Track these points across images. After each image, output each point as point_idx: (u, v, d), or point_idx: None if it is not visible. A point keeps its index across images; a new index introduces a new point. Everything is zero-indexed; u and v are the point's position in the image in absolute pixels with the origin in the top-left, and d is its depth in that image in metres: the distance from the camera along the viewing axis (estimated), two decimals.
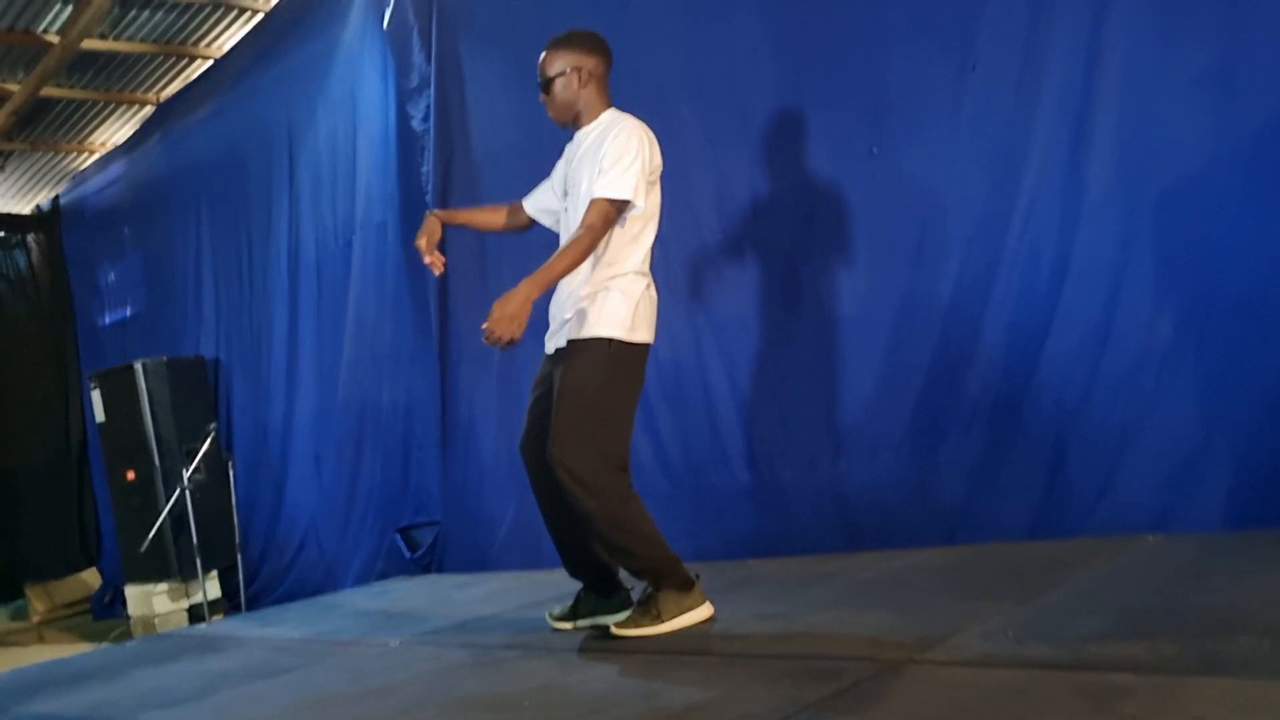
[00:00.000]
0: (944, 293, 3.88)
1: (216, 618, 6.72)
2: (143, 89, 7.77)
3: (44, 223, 9.66)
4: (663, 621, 3.07)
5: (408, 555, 6.05)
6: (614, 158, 3.09)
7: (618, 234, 3.13)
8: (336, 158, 6.50)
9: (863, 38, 4.04)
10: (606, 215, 3.07)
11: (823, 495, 4.26)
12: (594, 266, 3.14)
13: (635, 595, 3.26)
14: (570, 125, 3.35)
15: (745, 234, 4.56)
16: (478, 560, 5.74)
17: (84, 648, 6.90)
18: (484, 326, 2.93)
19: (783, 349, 4.44)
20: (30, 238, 9.78)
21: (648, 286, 3.21)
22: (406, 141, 5.80)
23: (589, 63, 3.30)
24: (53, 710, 3.61)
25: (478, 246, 5.57)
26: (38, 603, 9.01)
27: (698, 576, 3.20)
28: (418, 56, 5.62)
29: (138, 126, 8.23)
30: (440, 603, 4.63)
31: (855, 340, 4.19)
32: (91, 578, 9.25)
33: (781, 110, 4.35)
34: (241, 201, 7.32)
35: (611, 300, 3.10)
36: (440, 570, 5.87)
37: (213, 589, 6.86)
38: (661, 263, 4.82)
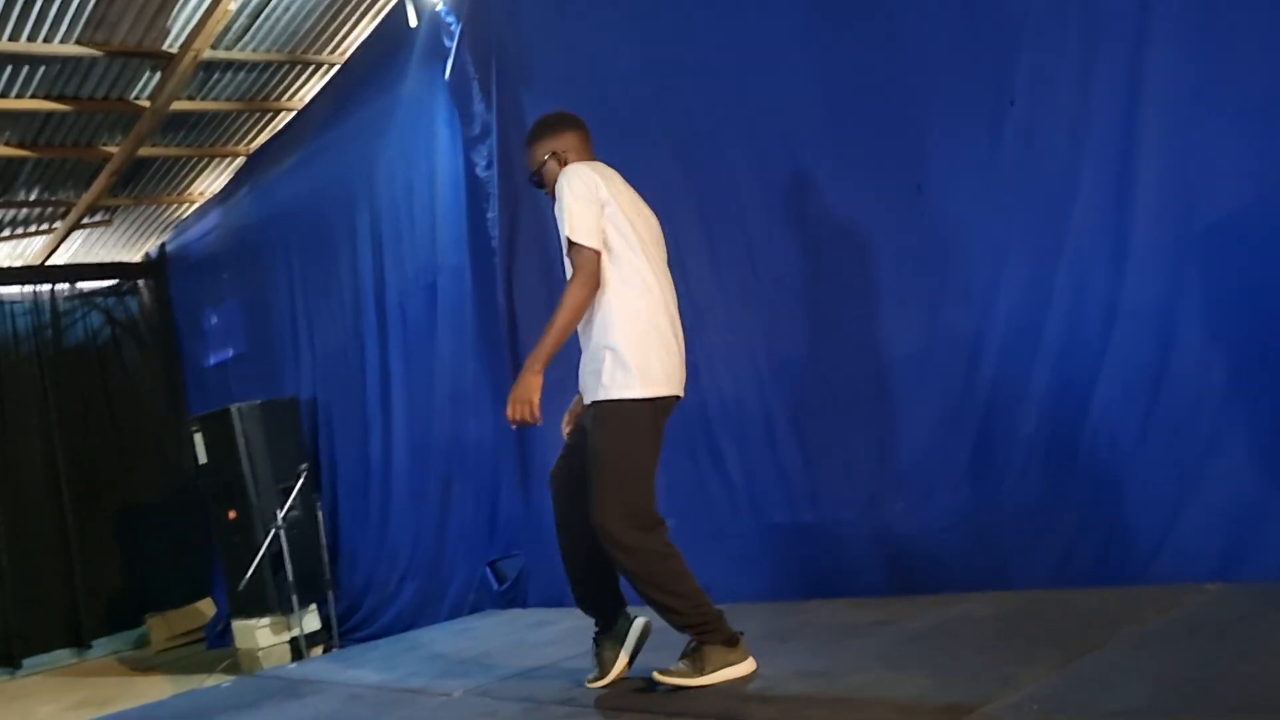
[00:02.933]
0: (995, 332, 3.82)
1: (315, 650, 6.96)
2: (232, 143, 8.10)
3: (152, 270, 10.14)
4: (705, 675, 3.14)
5: (496, 588, 6.17)
6: (562, 208, 3.23)
7: (605, 289, 3.22)
8: (413, 203, 6.68)
9: (905, 74, 4.00)
10: (581, 260, 3.17)
11: (882, 536, 4.22)
12: (592, 326, 3.26)
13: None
14: None
15: (799, 271, 4.54)
16: (559, 594, 5.80)
17: (193, 680, 7.21)
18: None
19: (841, 388, 4.41)
20: (141, 284, 10.28)
21: (659, 338, 3.26)
22: (473, 188, 5.93)
23: (562, 143, 3.48)
24: None
25: (543, 283, 5.66)
26: (157, 631, 9.45)
27: (741, 634, 3.23)
28: (478, 105, 5.75)
29: (230, 177, 8.58)
30: (512, 646, 4.72)
31: (911, 380, 4.14)
32: (206, 607, 9.65)
33: (829, 147, 4.33)
34: (329, 246, 7.58)
35: (608, 364, 3.20)
36: (525, 603, 5.98)
37: (311, 622, 7.09)
38: (720, 299, 4.89)
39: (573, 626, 4.97)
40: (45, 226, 9.04)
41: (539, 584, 5.99)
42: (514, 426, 3.15)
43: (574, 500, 3.33)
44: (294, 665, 5.88)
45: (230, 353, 9.17)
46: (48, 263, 9.70)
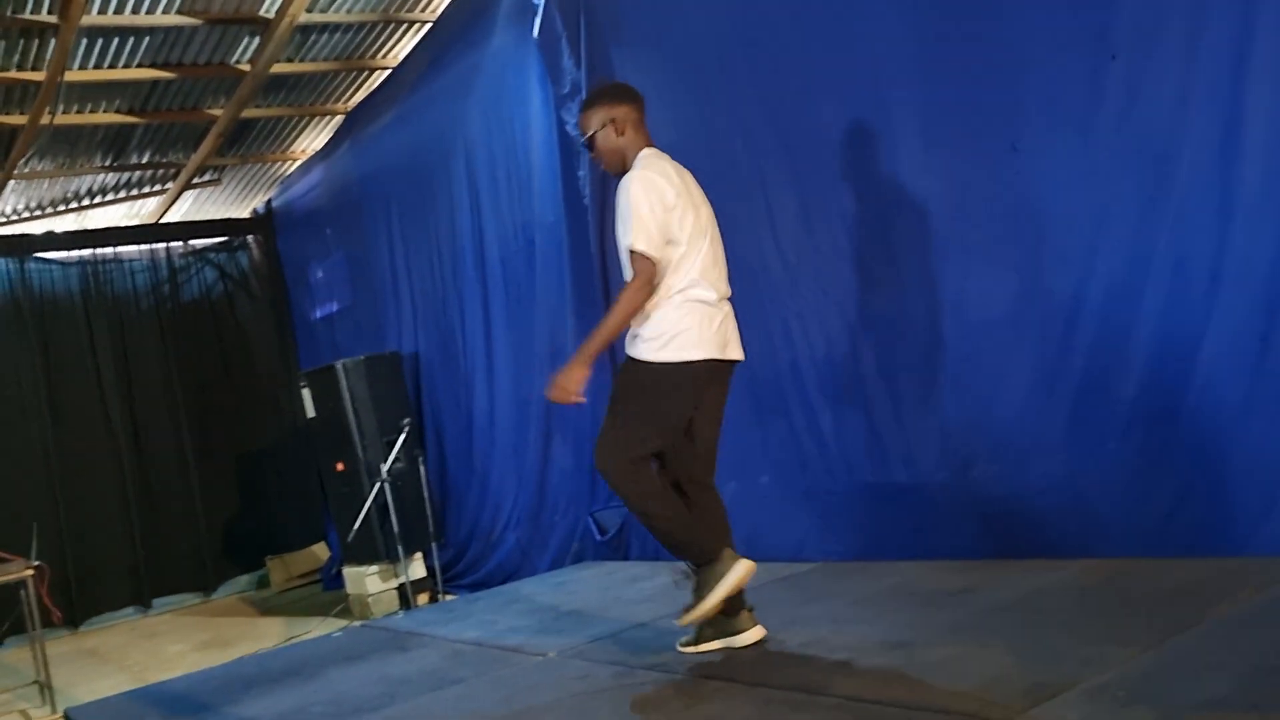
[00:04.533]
0: (1094, 295, 3.71)
1: (422, 597, 7.22)
2: (331, 101, 8.25)
3: (261, 225, 10.44)
4: (707, 600, 3.32)
5: (599, 538, 6.29)
6: (624, 214, 3.34)
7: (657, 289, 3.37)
8: (510, 160, 6.73)
9: (1001, 28, 3.87)
10: (641, 266, 3.30)
11: (975, 498, 4.18)
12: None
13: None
14: (623, 172, 3.51)
15: (892, 231, 4.47)
16: (656, 548, 5.91)
17: (309, 622, 7.55)
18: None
19: (935, 348, 4.35)
20: (251, 239, 10.61)
21: (696, 305, 3.37)
22: (565, 146, 5.95)
23: (620, 111, 3.52)
24: (253, 713, 4.03)
25: None
26: (276, 573, 9.90)
27: (723, 550, 3.37)
28: (568, 63, 5.74)
29: (330, 135, 8.75)
30: (608, 602, 4.81)
31: (1007, 341, 4.06)
32: (321, 551, 10.07)
33: (922, 104, 4.22)
34: (428, 202, 7.70)
35: (649, 326, 3.36)
36: (627, 555, 6.08)
37: (417, 570, 7.34)
38: (812, 257, 4.85)
39: (667, 583, 5.04)
40: (158, 187, 9.36)
41: (640, 536, 6.08)
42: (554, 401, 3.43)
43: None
44: (401, 615, 6.11)
45: (335, 306, 9.42)
46: (162, 221, 10.06)
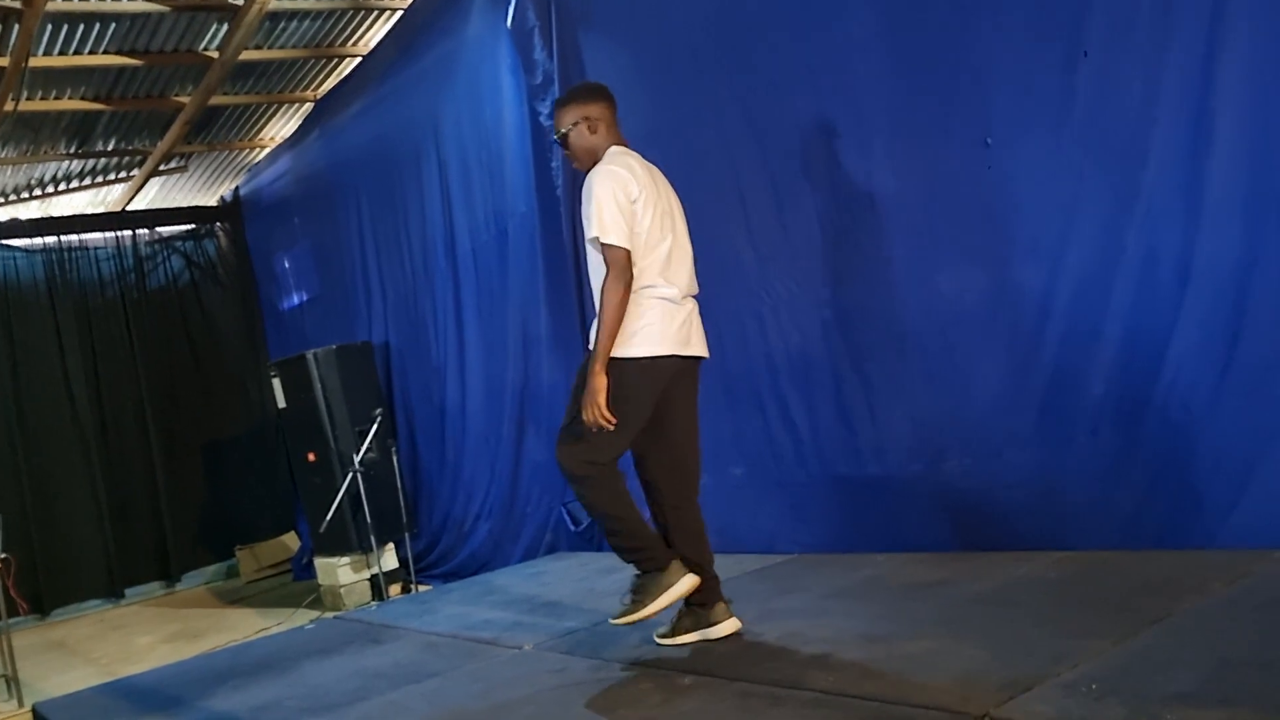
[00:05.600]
0: (1064, 289, 3.75)
1: (394, 588, 7.21)
2: (300, 89, 8.17)
3: (228, 213, 10.35)
4: (647, 605, 3.41)
5: (572, 529, 6.29)
6: (590, 208, 3.35)
7: None
8: (482, 149, 6.69)
9: (975, 23, 3.89)
10: (614, 256, 3.31)
11: (947, 491, 4.22)
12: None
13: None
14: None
15: (864, 224, 4.48)
16: None
17: (280, 613, 7.52)
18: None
19: (907, 342, 4.38)
20: (218, 227, 10.50)
21: (657, 302, 3.39)
22: (538, 136, 5.93)
23: (594, 110, 3.56)
24: (228, 708, 4.01)
25: None
26: (246, 563, 9.84)
27: (678, 558, 3.44)
28: (540, 54, 5.72)
29: (300, 122, 8.66)
30: (583, 594, 4.83)
31: (978, 335, 4.10)
32: (291, 540, 10.02)
33: (895, 100, 4.24)
34: (398, 191, 7.65)
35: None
36: (601, 545, 6.09)
37: (389, 561, 7.33)
38: (784, 249, 4.87)
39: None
40: (124, 174, 9.25)
41: None
42: (593, 430, 3.30)
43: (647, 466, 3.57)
44: (374, 607, 6.10)
45: (304, 295, 9.35)
46: (127, 209, 9.93)
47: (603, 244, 3.31)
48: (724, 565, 4.78)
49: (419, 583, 7.28)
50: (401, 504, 7.02)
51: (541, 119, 5.82)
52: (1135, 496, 3.59)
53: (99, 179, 9.27)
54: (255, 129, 8.89)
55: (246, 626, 7.31)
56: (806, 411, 4.88)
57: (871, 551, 4.37)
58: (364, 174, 8.00)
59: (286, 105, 8.46)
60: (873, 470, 4.58)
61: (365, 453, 6.91)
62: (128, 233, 10.04)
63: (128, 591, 9.65)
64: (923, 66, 4.10)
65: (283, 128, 8.93)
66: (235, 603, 8.71)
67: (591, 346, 3.35)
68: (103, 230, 9.89)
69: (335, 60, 7.76)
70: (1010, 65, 3.78)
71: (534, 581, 5.43)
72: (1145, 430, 3.55)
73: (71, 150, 8.39)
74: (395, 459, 6.96)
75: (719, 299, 5.23)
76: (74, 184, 9.26)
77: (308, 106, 8.44)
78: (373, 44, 7.50)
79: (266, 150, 9.29)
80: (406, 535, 7.03)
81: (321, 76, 8.04)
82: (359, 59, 7.65)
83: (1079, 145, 3.62)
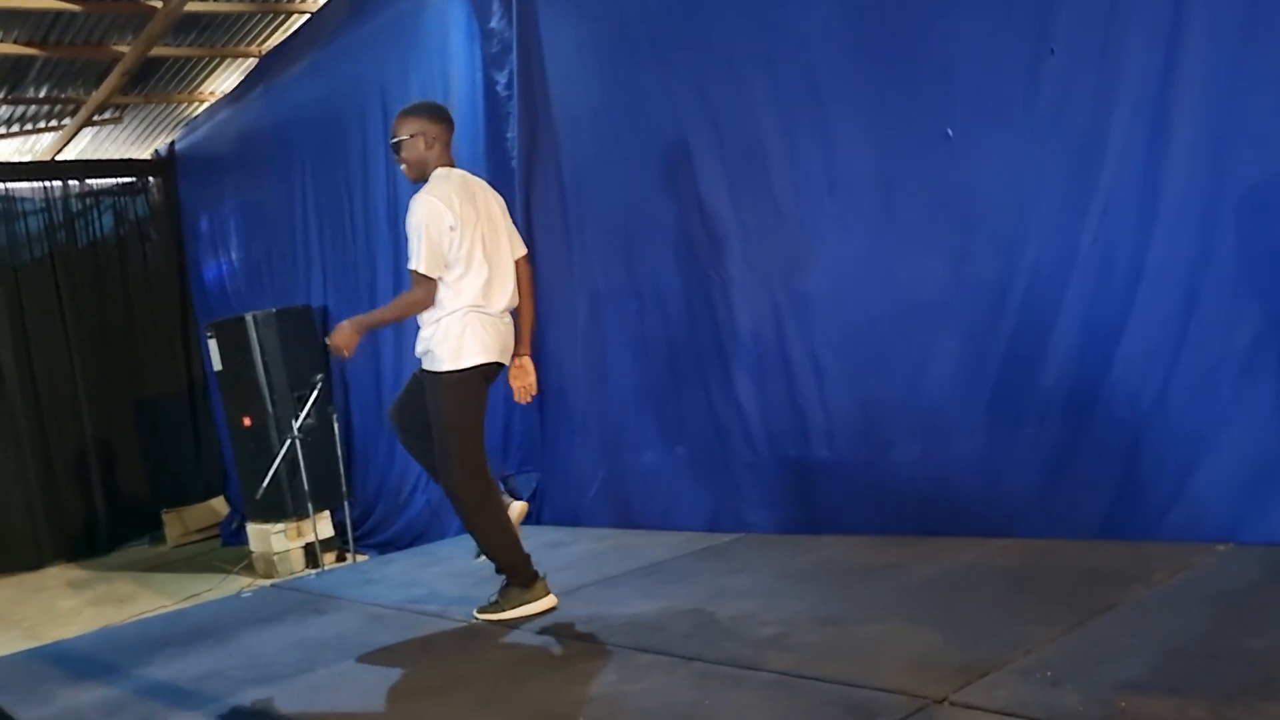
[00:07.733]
0: (1020, 283, 3.82)
1: (329, 556, 7.12)
2: (245, 43, 7.95)
3: (162, 168, 10.05)
4: (504, 611, 3.84)
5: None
6: (410, 235, 3.68)
7: (440, 285, 3.73)
8: None
9: (938, 15, 3.92)
10: (417, 282, 3.70)
11: (896, 476, 4.28)
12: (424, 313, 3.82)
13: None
14: (421, 182, 3.87)
15: (821, 211, 4.51)
16: (572, 514, 5.94)
17: (208, 579, 7.39)
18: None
19: (861, 328, 4.42)
20: (151, 182, 10.20)
21: (474, 316, 3.75)
22: (492, 106, 5.85)
23: (433, 129, 3.86)
24: (168, 676, 3.93)
25: (560, 204, 5.63)
26: (173, 528, 9.63)
27: (543, 576, 3.91)
28: (499, 22, 5.64)
29: (242, 78, 8.44)
30: None
31: (933, 325, 4.15)
32: (220, 505, 9.84)
33: (856, 87, 4.26)
34: (341, 154, 7.48)
35: (437, 341, 3.74)
36: (540, 520, 6.09)
37: (325, 529, 7.23)
38: (737, 232, 4.87)
39: (587, 550, 5.09)
40: (54, 123, 8.93)
41: (553, 502, 6.10)
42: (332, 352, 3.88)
43: (411, 432, 3.99)
44: (314, 576, 6.01)
45: (237, 256, 9.14)
46: (57, 159, 9.60)
47: (418, 273, 3.66)
48: (670, 542, 4.86)
49: (355, 552, 7.20)
50: (341, 472, 6.93)
51: (499, 89, 5.75)
52: (1080, 488, 3.68)
53: (28, 126, 8.95)
54: (195, 83, 8.64)
55: (176, 591, 7.18)
56: (756, 393, 4.91)
57: (818, 534, 4.43)
58: (307, 134, 7.82)
59: (229, 59, 8.23)
60: (821, 454, 4.63)
61: (304, 419, 6.80)
62: (57, 184, 9.69)
63: (53, 554, 9.39)
64: (885, 54, 4.12)
65: (224, 82, 8.70)
66: (161, 568, 8.54)
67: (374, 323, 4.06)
68: (31, 179, 9.54)
69: (282, 15, 7.56)
70: (975, 57, 3.82)
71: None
72: (1092, 424, 3.64)
73: (1, 96, 8.08)
74: (335, 425, 6.85)
75: (667, 277, 5.24)
76: (1, 130, 8.92)
77: (252, 62, 8.22)
78: (322, 0, 7.33)
79: (206, 105, 9.04)
80: (346, 503, 6.94)
81: (268, 31, 7.83)
82: (308, 15, 7.46)
83: (1039, 142, 3.68)
